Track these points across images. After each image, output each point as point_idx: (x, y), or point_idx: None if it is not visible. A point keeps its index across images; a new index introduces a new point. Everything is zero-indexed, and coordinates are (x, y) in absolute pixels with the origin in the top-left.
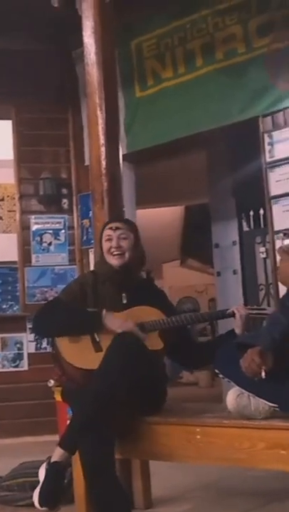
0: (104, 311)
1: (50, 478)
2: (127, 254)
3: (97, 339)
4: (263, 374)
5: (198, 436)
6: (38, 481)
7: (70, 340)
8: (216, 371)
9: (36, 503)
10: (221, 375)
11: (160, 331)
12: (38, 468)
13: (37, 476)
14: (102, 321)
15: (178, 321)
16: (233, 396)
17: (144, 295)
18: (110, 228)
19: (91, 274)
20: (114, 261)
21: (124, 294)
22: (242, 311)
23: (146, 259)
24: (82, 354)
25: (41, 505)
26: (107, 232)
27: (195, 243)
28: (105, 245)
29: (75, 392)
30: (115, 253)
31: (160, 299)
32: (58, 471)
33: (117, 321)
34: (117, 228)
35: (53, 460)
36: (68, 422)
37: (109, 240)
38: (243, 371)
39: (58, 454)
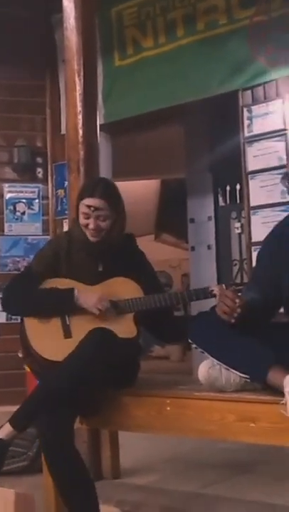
0: (76, 291)
1: None
2: (104, 233)
3: (68, 323)
4: (238, 311)
5: (169, 408)
6: None
7: (39, 322)
8: (190, 341)
9: None
10: (194, 345)
11: (136, 312)
12: None
13: None
14: (73, 301)
15: (156, 301)
16: (205, 368)
17: (123, 260)
18: (88, 207)
19: (66, 237)
20: (90, 237)
21: (100, 262)
22: (223, 291)
23: (125, 226)
24: (49, 340)
25: None
26: (84, 208)
27: (170, 218)
28: (82, 219)
29: (39, 374)
30: (92, 232)
31: (139, 264)
32: (1, 449)
33: (90, 300)
34: (95, 209)
35: None
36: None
37: (87, 218)
38: (218, 313)
39: (5, 431)
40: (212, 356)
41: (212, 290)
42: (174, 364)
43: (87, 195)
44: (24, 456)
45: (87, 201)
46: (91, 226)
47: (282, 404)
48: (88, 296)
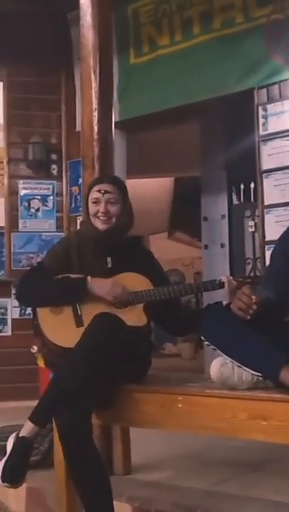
0: (89, 278)
1: (15, 454)
2: (114, 220)
3: (79, 312)
4: (253, 308)
5: (180, 405)
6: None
7: (51, 312)
8: (202, 338)
9: None
10: (206, 342)
11: (146, 302)
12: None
13: None
14: (86, 288)
15: (165, 293)
16: (217, 366)
17: (131, 259)
18: (98, 191)
19: (76, 235)
20: (100, 225)
21: (109, 258)
22: (231, 282)
23: (134, 221)
24: (62, 329)
25: (3, 481)
26: (94, 194)
27: (184, 216)
28: (92, 208)
29: (54, 365)
30: (102, 218)
31: (148, 264)
32: (24, 447)
33: (104, 287)
34: (106, 192)
35: (21, 435)
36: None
37: (97, 203)
38: (233, 309)
39: (27, 429)
40: (224, 353)
41: (220, 280)
42: (185, 362)
43: (96, 183)
44: (36, 451)
45: (97, 187)
46: (101, 209)
47: None
48: (102, 283)
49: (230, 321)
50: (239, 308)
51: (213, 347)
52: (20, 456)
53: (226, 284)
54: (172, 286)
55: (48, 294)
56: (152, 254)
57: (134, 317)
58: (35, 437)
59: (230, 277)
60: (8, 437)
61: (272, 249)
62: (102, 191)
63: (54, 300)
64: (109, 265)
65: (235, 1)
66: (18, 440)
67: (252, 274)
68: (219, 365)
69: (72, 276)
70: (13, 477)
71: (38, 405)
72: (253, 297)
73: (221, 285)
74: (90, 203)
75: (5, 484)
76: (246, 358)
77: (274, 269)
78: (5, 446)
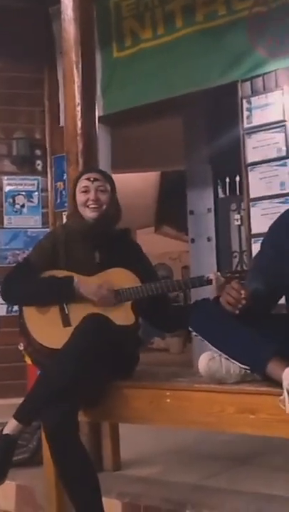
0: (75, 279)
1: None
2: (104, 207)
3: (66, 311)
4: (242, 303)
5: (169, 400)
6: None
7: (38, 311)
8: (190, 329)
9: None
10: (194, 333)
11: (134, 300)
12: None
13: None
14: (73, 288)
15: (153, 289)
16: (205, 360)
17: (119, 252)
18: (88, 179)
19: (62, 229)
20: (90, 213)
21: (97, 253)
22: (219, 279)
23: (121, 214)
24: (48, 329)
25: None
26: (83, 182)
27: (170, 210)
28: (81, 197)
29: (40, 363)
30: (92, 206)
31: (136, 257)
32: (8, 444)
33: (91, 288)
34: (95, 180)
35: (5, 432)
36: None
37: (86, 191)
38: (222, 303)
39: (11, 427)
40: (213, 346)
41: (208, 277)
42: (174, 356)
43: (84, 173)
44: (25, 449)
45: (86, 175)
46: (92, 197)
47: (281, 400)
48: (88, 284)
49: (218, 316)
50: (228, 303)
51: (201, 338)
52: (3, 453)
53: (214, 281)
54: (160, 282)
55: (33, 293)
56: (140, 247)
57: (122, 316)
58: (19, 435)
59: (218, 273)
60: None
61: (259, 242)
62: (92, 179)
63: (40, 299)
64: (98, 260)
65: None
66: (2, 437)
67: (239, 268)
68: (207, 360)
69: (59, 275)
70: None
71: (24, 403)
72: (242, 292)
73: (209, 282)
74: (78, 193)
75: None
76: (234, 351)
77: (264, 260)
78: None
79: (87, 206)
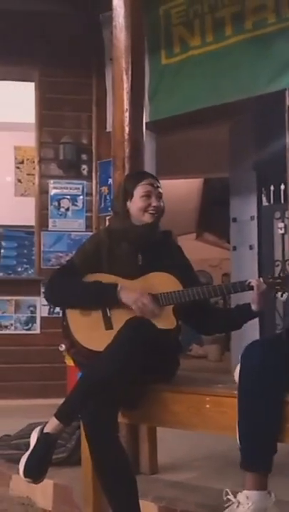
0: (119, 286)
1: (38, 450)
2: (159, 214)
3: (109, 314)
4: None
5: (208, 406)
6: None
7: (80, 313)
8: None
9: (21, 472)
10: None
11: (175, 304)
12: None
13: None
14: (116, 296)
15: (194, 294)
16: None
17: (162, 255)
18: (151, 185)
19: (106, 232)
20: (148, 219)
21: (140, 255)
22: (261, 285)
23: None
24: (91, 331)
25: (25, 476)
26: (145, 187)
27: (212, 217)
28: (141, 202)
29: (82, 364)
30: (152, 211)
31: (178, 260)
32: (48, 443)
33: (131, 296)
34: (157, 186)
35: (45, 431)
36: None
37: (148, 196)
38: None
39: (51, 426)
40: None
41: (250, 282)
42: (212, 363)
43: (144, 178)
44: (63, 448)
45: (148, 181)
46: (154, 203)
47: None
48: (130, 292)
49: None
50: None
51: None
52: (43, 452)
53: (255, 287)
54: (201, 288)
55: (76, 297)
56: (182, 250)
57: (164, 320)
58: (59, 434)
59: (261, 279)
60: None
61: None
62: (155, 185)
63: (82, 304)
64: (140, 262)
65: (267, 2)
66: (43, 436)
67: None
68: None
69: (104, 281)
70: (36, 473)
71: (65, 403)
72: None
73: (250, 287)
74: (137, 198)
75: (27, 479)
76: None
77: None
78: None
79: (147, 211)
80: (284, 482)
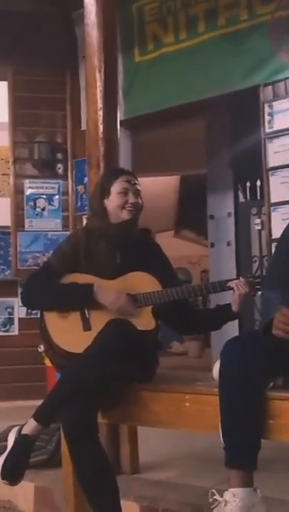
0: (95, 286)
1: (16, 452)
2: (137, 211)
3: (87, 316)
4: None
5: (188, 404)
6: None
7: (58, 315)
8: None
9: None
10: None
11: (154, 304)
12: None
13: None
14: (92, 296)
15: (174, 294)
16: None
17: (140, 253)
18: (128, 182)
19: (84, 231)
20: (126, 216)
21: (118, 254)
22: (242, 288)
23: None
24: (69, 333)
25: (3, 478)
26: (123, 184)
27: (190, 214)
28: (118, 199)
29: (61, 366)
30: (129, 208)
31: (157, 259)
32: (26, 445)
33: (109, 296)
34: (134, 183)
35: (23, 432)
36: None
37: (126, 193)
38: (276, 333)
39: (30, 427)
40: None
41: (229, 284)
42: (192, 360)
43: (121, 174)
44: (43, 450)
45: (125, 177)
46: (131, 200)
47: None
48: (107, 292)
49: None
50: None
51: None
52: (21, 453)
53: (236, 288)
54: (180, 287)
55: (53, 300)
56: (160, 248)
57: (143, 321)
58: (37, 436)
59: (241, 279)
60: None
61: None
62: (132, 182)
63: (59, 306)
64: (119, 261)
65: None
66: (20, 437)
67: (258, 272)
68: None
69: (81, 281)
70: (14, 474)
71: (43, 404)
72: None
73: (230, 288)
74: (114, 194)
75: (4, 481)
76: None
77: (279, 268)
78: None
79: (125, 208)
80: (268, 478)
